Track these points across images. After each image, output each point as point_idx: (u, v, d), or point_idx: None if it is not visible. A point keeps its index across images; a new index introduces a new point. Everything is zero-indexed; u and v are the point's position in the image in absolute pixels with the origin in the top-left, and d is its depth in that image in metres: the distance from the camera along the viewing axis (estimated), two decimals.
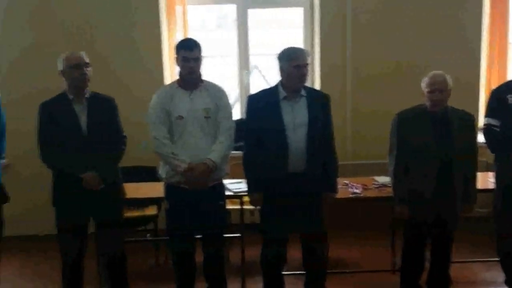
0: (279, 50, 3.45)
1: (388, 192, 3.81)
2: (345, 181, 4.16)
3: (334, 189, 3.55)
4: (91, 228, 3.60)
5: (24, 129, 4.06)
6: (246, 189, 3.65)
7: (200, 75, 3.48)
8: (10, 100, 4.25)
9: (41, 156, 3.43)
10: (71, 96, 3.43)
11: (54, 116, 3.39)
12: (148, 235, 4.69)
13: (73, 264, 3.56)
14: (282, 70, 3.41)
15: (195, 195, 3.42)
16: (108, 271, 3.69)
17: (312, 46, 5.34)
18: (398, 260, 3.90)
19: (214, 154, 3.41)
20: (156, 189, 3.82)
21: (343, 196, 3.85)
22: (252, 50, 5.41)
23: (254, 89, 5.19)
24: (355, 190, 4.04)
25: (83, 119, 3.41)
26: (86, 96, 3.45)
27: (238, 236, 4.14)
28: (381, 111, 4.42)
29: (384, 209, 3.89)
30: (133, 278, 3.83)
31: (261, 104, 3.45)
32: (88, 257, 3.65)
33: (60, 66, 3.41)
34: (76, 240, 3.51)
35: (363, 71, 5.18)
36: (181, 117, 3.41)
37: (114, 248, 3.62)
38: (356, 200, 4.00)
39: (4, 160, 4.19)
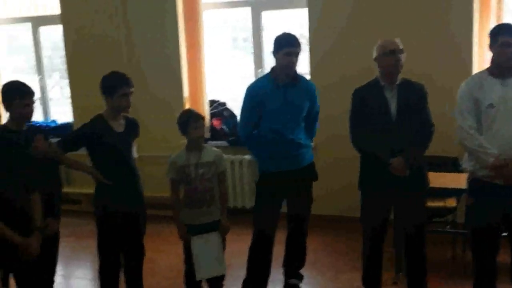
0: None
1: None
2: None
3: None
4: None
5: (332, 113, 4.35)
6: None
7: None
8: (320, 86, 4.57)
9: (352, 139, 3.60)
10: (382, 83, 3.52)
11: (365, 102, 3.52)
12: (447, 226, 4.58)
13: (373, 248, 3.69)
14: None
15: (508, 192, 3.18)
16: (407, 258, 3.72)
17: None
18: None
19: None
20: (456, 181, 3.69)
21: None
22: None
23: None
24: None
25: (393, 106, 3.47)
26: (397, 82, 3.51)
27: None
28: None
29: None
30: (428, 269, 3.76)
31: None
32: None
33: (374, 53, 3.53)
34: (380, 223, 3.60)
35: None
36: (491, 106, 3.22)
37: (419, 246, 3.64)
38: None
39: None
